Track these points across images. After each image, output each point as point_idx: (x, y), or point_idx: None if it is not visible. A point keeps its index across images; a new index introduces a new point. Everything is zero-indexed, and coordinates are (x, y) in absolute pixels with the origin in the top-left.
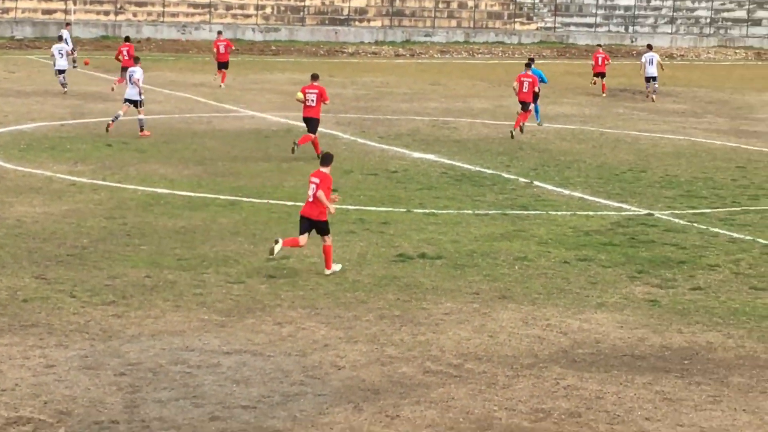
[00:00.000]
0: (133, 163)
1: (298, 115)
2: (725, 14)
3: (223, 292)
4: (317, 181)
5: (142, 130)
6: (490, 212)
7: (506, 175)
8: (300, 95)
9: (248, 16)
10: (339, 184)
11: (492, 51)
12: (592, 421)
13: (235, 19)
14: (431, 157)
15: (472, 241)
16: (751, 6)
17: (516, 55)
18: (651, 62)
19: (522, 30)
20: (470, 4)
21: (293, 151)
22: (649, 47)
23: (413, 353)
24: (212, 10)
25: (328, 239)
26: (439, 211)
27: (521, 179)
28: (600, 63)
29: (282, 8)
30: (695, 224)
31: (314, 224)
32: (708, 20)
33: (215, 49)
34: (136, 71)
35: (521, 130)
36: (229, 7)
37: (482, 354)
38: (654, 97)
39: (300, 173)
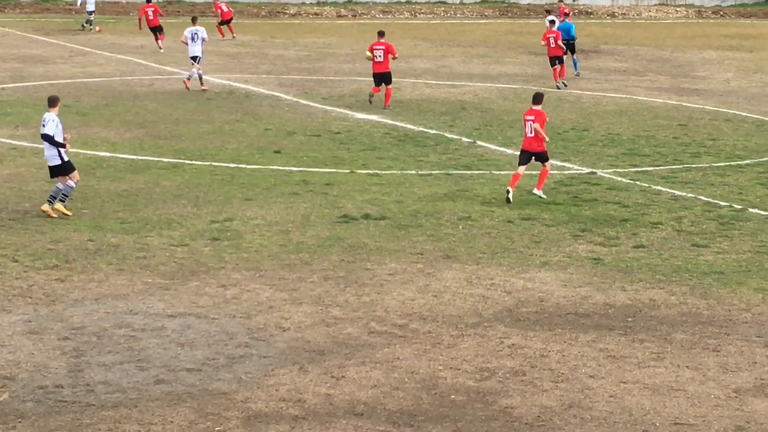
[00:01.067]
0: (74, 126)
1: (240, 77)
2: None
3: (167, 255)
4: (532, 117)
5: (192, 79)
6: (433, 172)
7: (449, 135)
8: (369, 53)
9: None
10: (282, 146)
11: (434, 11)
12: (536, 380)
13: None
14: (374, 117)
15: (416, 202)
16: None
17: (458, 15)
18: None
19: None
20: None
21: (370, 101)
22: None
23: (358, 314)
24: None
25: (548, 165)
26: (383, 172)
27: (464, 139)
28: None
29: None
30: (638, 182)
31: (535, 155)
32: None
33: (143, 16)
34: (202, 30)
35: (564, 84)
36: None
37: (427, 314)
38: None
39: (242, 135)
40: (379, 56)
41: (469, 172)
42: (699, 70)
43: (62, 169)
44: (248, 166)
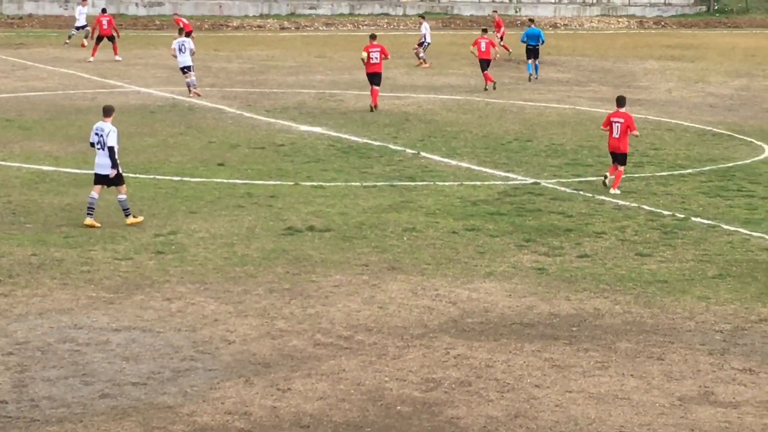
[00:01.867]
0: (16, 140)
1: (183, 90)
2: None
3: (111, 268)
4: (622, 120)
5: (195, 87)
6: (377, 184)
7: (393, 147)
8: (364, 54)
9: None
10: (226, 158)
11: (377, 23)
12: (482, 390)
13: None
14: (318, 129)
15: (361, 213)
16: None
17: (401, 27)
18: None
19: (407, 1)
20: None
21: (372, 109)
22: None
23: (303, 326)
24: None
25: (623, 168)
26: (327, 184)
27: (408, 150)
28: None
29: None
30: (581, 192)
31: (618, 156)
32: None
33: (97, 25)
34: (189, 41)
35: (494, 87)
36: None
37: (372, 325)
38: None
39: (186, 148)
40: (375, 58)
41: (413, 183)
42: (641, 80)
43: (113, 180)
44: (192, 180)
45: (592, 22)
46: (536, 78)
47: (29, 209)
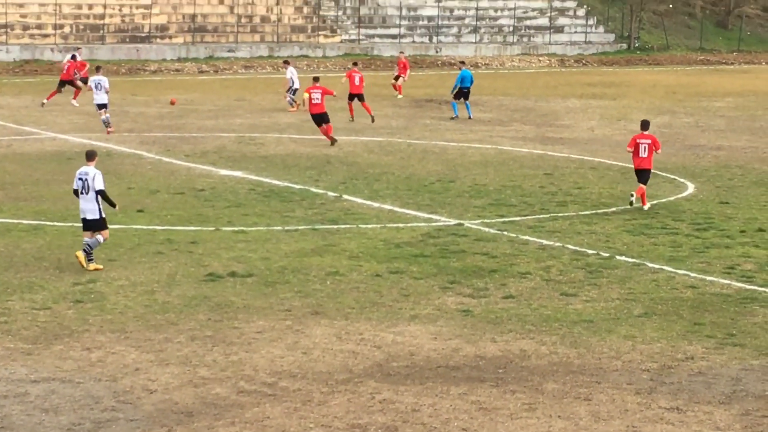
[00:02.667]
0: None
1: (100, 136)
2: (528, 22)
3: (29, 319)
4: (649, 141)
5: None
6: (299, 228)
7: (315, 190)
8: (306, 95)
9: (46, 35)
10: (145, 205)
11: (297, 65)
12: None
13: (33, 39)
14: (238, 173)
15: (283, 258)
16: (552, 14)
17: (321, 68)
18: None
19: (326, 43)
20: (273, 18)
21: (333, 143)
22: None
23: (226, 373)
24: (9, 30)
25: (645, 185)
26: (249, 229)
27: (330, 193)
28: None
29: (81, 27)
30: (505, 232)
31: (645, 173)
32: (511, 29)
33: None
34: (104, 79)
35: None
36: (26, 27)
37: (296, 371)
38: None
39: None
40: (317, 98)
41: (335, 226)
42: (563, 119)
43: (99, 224)
44: (111, 226)
45: (513, 61)
46: (470, 118)
47: None
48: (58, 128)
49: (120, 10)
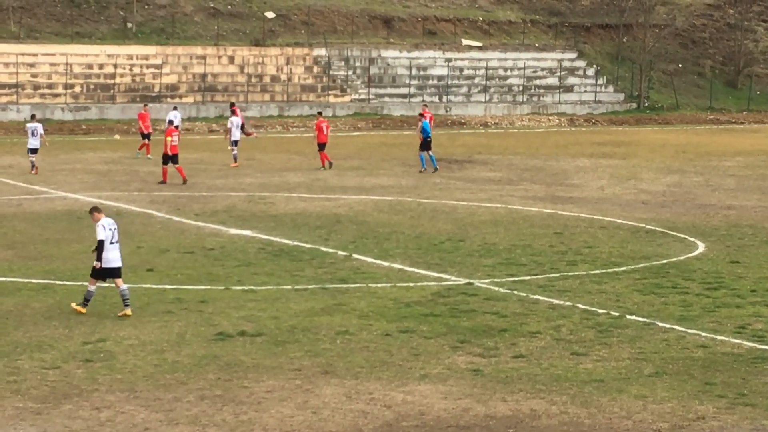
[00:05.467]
0: None
1: (110, 195)
2: (537, 81)
3: (38, 378)
4: None
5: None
6: (309, 287)
7: (325, 249)
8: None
9: (57, 95)
10: (155, 264)
11: (307, 124)
12: None
13: (44, 99)
14: (248, 233)
15: (293, 317)
16: (562, 73)
17: (331, 128)
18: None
19: (336, 102)
20: (283, 77)
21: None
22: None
23: None
24: (20, 90)
25: None
26: (258, 288)
27: (340, 252)
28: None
29: (92, 86)
30: (515, 292)
31: None
32: (521, 88)
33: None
34: (39, 126)
35: (330, 166)
36: (36, 87)
37: (306, 431)
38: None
39: None
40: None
41: (345, 285)
42: (573, 178)
43: (119, 272)
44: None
45: (522, 120)
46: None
47: None
48: (68, 187)
49: (131, 69)
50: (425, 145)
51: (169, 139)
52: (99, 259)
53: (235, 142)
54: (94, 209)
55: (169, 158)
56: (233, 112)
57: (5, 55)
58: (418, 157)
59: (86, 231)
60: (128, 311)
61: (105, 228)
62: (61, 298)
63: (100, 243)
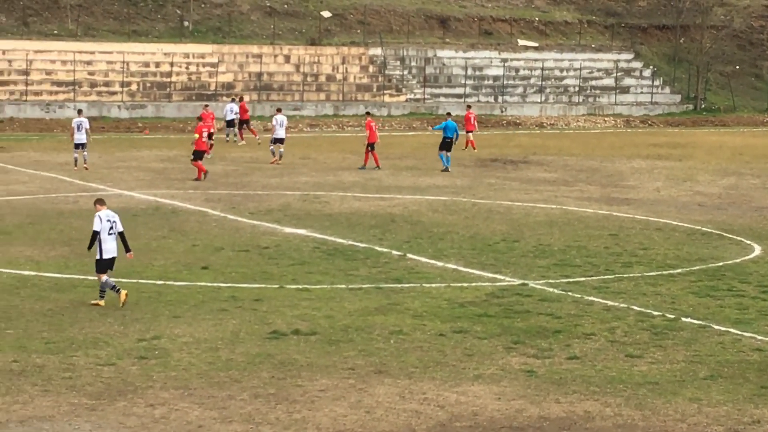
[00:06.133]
0: None
1: (166, 192)
2: (593, 82)
3: (93, 374)
4: None
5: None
6: (363, 286)
7: (379, 248)
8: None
9: (114, 93)
10: (210, 262)
11: (362, 124)
12: None
13: (101, 97)
14: (303, 231)
15: (347, 316)
16: (618, 74)
17: (386, 127)
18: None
19: (391, 102)
20: (339, 77)
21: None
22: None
23: (289, 431)
24: (76, 87)
25: None
26: (312, 287)
27: (394, 252)
28: (472, 122)
29: (148, 84)
30: (570, 293)
31: None
32: (576, 89)
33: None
34: (85, 120)
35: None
36: (93, 85)
37: (359, 430)
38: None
39: (169, 252)
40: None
41: (399, 285)
42: (629, 180)
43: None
44: (176, 283)
45: (578, 121)
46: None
47: (10, 315)
48: (124, 185)
49: (187, 68)
50: (443, 145)
51: (197, 135)
52: (89, 248)
53: (278, 140)
54: (96, 201)
55: (200, 154)
56: (278, 111)
57: (63, 53)
58: (438, 158)
59: (142, 229)
60: (101, 302)
61: (101, 220)
62: (116, 295)
63: (93, 234)
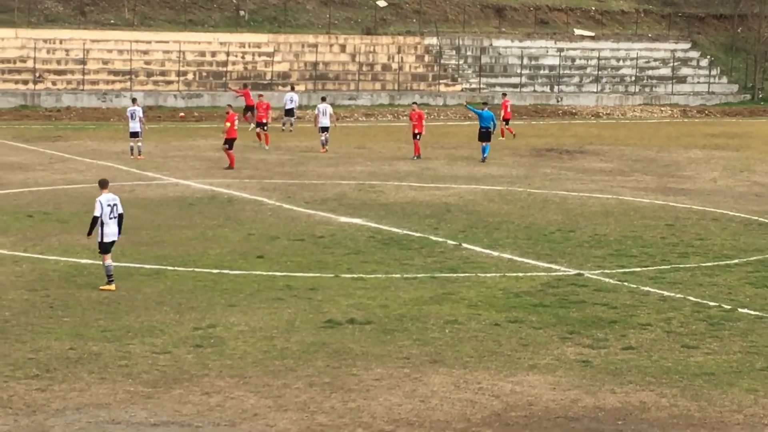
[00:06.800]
0: (54, 233)
1: (222, 182)
2: (650, 72)
3: (149, 362)
4: None
5: (140, 153)
6: (418, 276)
7: (434, 238)
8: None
9: (170, 82)
10: (265, 251)
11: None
12: None
13: (157, 86)
14: (358, 221)
15: (402, 306)
16: (675, 63)
17: (441, 117)
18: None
19: (447, 91)
20: (394, 66)
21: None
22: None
23: (344, 420)
24: (133, 77)
25: None
26: (368, 276)
27: (449, 241)
28: (508, 110)
29: (204, 74)
30: (625, 283)
31: None
32: (633, 78)
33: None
34: (139, 109)
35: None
36: (150, 74)
37: (414, 419)
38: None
39: (225, 240)
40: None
41: (455, 275)
42: (685, 170)
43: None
44: (231, 272)
45: (634, 111)
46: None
47: (67, 303)
48: (180, 174)
49: (242, 57)
50: (482, 135)
51: (228, 124)
52: (89, 233)
53: (324, 129)
54: (100, 183)
55: (232, 141)
56: (323, 99)
57: (119, 42)
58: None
59: (198, 217)
60: (112, 286)
61: (102, 204)
62: (172, 283)
63: (93, 219)
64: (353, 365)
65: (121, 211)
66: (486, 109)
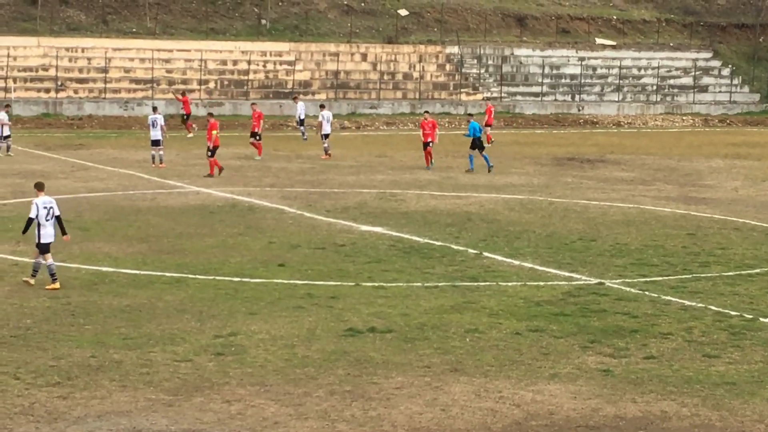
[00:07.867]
0: (76, 241)
1: (243, 190)
2: (671, 81)
3: (170, 370)
4: None
5: (162, 161)
6: (439, 284)
7: (455, 247)
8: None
9: (191, 90)
10: (286, 259)
11: (439, 122)
12: None
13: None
14: (379, 229)
15: (422, 314)
16: (697, 73)
17: (462, 126)
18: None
19: (468, 100)
20: (415, 75)
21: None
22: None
23: (365, 429)
24: (154, 85)
25: None
26: (388, 285)
27: (470, 250)
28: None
29: (225, 82)
30: (647, 292)
31: None
32: (654, 88)
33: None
34: (160, 117)
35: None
36: (171, 82)
37: (435, 428)
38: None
39: (246, 249)
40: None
41: (475, 283)
42: (707, 179)
43: (49, 247)
44: (252, 280)
45: (656, 120)
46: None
47: (88, 310)
48: (202, 182)
49: (264, 66)
50: (472, 144)
51: (215, 132)
52: (24, 232)
53: (326, 136)
54: (36, 186)
55: (215, 150)
56: (322, 107)
57: (141, 51)
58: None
59: (219, 226)
60: (56, 284)
61: (38, 207)
62: (193, 291)
63: (29, 220)
64: (374, 374)
65: (57, 213)
66: (472, 120)
